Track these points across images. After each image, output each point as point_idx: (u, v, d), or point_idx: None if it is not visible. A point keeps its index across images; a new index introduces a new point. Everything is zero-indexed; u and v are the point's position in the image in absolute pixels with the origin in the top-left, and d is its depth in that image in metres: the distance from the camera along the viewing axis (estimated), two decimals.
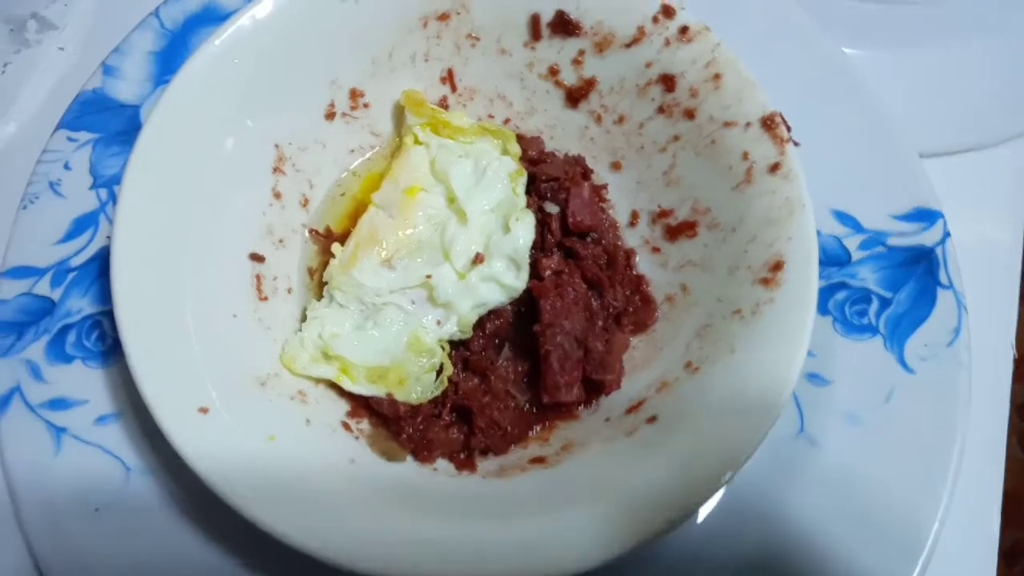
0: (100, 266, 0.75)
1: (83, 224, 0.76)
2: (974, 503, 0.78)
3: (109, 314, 0.74)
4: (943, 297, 0.79)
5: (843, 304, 0.80)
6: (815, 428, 0.75)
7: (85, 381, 0.71)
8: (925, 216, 0.81)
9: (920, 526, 0.70)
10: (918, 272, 0.80)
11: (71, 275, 0.74)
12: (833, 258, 0.81)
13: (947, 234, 0.81)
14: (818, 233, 0.80)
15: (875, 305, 0.79)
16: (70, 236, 0.76)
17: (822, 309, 0.79)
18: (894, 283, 0.80)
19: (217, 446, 0.58)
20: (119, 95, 0.81)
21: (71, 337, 0.73)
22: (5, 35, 0.87)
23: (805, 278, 0.65)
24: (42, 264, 0.74)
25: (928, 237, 0.81)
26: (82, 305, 0.74)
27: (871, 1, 0.99)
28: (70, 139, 0.78)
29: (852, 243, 0.81)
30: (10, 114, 0.85)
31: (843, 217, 0.82)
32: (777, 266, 0.66)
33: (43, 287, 0.74)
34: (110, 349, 0.72)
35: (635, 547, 0.57)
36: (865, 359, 0.77)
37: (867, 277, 0.80)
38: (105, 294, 0.74)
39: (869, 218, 0.82)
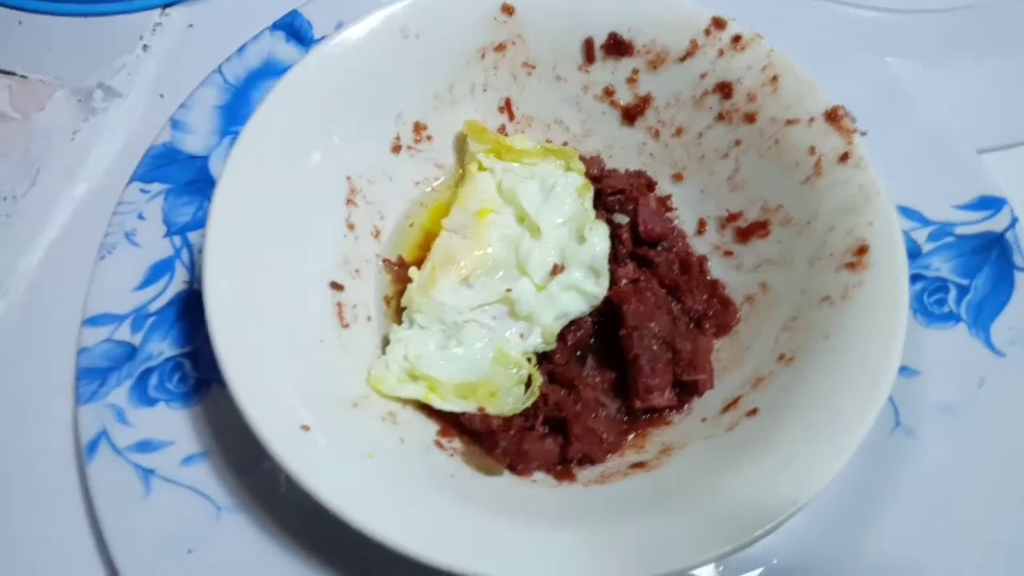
0: (178, 309, 0.76)
1: (159, 270, 0.77)
2: None
3: (190, 355, 0.74)
4: (1021, 279, 0.78)
5: (921, 295, 0.79)
6: (911, 420, 0.73)
7: (169, 422, 0.70)
8: (990, 204, 0.81)
9: None
10: (992, 258, 0.79)
11: (150, 320, 0.75)
12: None
13: (1015, 219, 0.80)
14: None
15: (953, 293, 0.78)
16: (147, 283, 0.76)
17: None
18: (969, 270, 0.79)
19: (321, 462, 0.56)
20: (187, 147, 0.83)
21: (153, 380, 0.72)
22: (73, 105, 0.91)
23: (892, 257, 0.64)
24: (121, 311, 0.75)
25: (996, 223, 0.80)
26: (162, 348, 0.74)
27: (899, 12, 1.01)
28: (143, 191, 0.80)
29: (920, 236, 0.81)
30: (80, 176, 0.87)
31: (907, 212, 0.82)
32: (862, 250, 0.66)
33: (123, 332, 0.74)
34: (192, 389, 0.72)
35: (745, 544, 0.55)
36: (952, 347, 0.76)
37: (941, 267, 0.80)
38: (184, 336, 0.75)
39: (933, 210, 0.82)
